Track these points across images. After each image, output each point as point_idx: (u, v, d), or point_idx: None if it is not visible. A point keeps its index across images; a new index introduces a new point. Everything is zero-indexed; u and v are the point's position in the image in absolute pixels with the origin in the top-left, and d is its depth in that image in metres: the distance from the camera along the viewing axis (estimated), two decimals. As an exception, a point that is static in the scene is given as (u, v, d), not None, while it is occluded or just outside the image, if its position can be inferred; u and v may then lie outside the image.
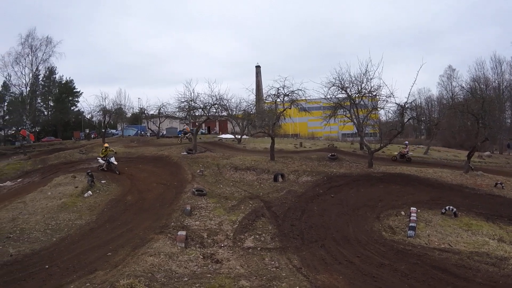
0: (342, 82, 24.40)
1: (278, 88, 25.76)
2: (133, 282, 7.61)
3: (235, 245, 12.22)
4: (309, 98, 27.01)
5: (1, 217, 15.49)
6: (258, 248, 11.91)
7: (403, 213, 14.83)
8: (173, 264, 10.05)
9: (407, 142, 30.75)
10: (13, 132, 65.01)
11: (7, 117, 68.69)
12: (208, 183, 20.23)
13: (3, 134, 69.15)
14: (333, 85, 24.64)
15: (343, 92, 24.86)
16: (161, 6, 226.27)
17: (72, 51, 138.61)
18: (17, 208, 16.81)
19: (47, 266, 10.23)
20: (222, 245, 12.20)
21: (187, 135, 39.92)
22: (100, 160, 24.53)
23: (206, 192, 18.01)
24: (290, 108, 26.87)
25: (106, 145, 25.92)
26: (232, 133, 51.44)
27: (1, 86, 68.10)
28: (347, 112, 25.53)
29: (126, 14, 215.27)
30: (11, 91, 67.48)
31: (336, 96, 26.03)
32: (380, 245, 12.01)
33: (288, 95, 25.90)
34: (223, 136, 53.91)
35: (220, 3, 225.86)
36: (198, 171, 22.53)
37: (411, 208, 14.55)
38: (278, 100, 26.85)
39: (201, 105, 32.36)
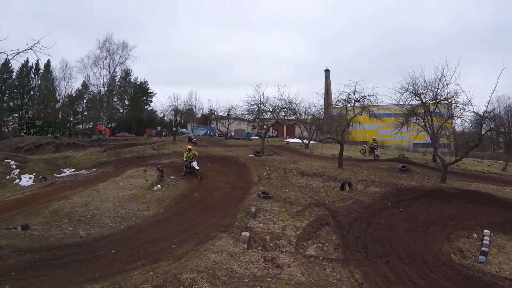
0: (416, 87, 23.07)
1: (349, 93, 25.02)
2: (196, 277, 7.60)
3: (297, 251, 11.95)
4: (380, 104, 25.90)
5: (74, 202, 16.60)
6: (320, 258, 11.55)
7: (475, 235, 13.58)
8: (234, 263, 10.02)
9: (374, 137, 32.35)
10: (90, 126, 70.10)
11: (85, 113, 74.85)
12: (274, 187, 20.04)
13: (81, 127, 75.61)
14: (406, 91, 23.41)
15: (417, 98, 23.46)
16: (231, 10, 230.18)
17: (146, 54, 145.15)
18: (90, 195, 17.93)
19: (113, 251, 10.68)
20: (284, 250, 11.99)
21: (192, 140, 40.89)
22: (194, 163, 23.32)
23: (271, 195, 17.81)
24: (360, 114, 25.95)
25: (189, 146, 24.91)
26: (299, 138, 51.17)
27: (81, 85, 74.24)
28: (421, 120, 24.04)
29: (198, 19, 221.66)
30: (90, 90, 73.50)
31: (410, 103, 24.41)
32: (448, 268, 11.10)
33: (359, 101, 25.05)
34: (291, 140, 53.77)
35: (288, 5, 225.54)
36: (264, 173, 22.35)
37: (485, 230, 13.41)
38: (349, 105, 25.98)
39: (270, 108, 32.36)
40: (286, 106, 31.38)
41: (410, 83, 23.21)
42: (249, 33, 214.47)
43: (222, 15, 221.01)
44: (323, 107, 35.73)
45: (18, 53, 11.08)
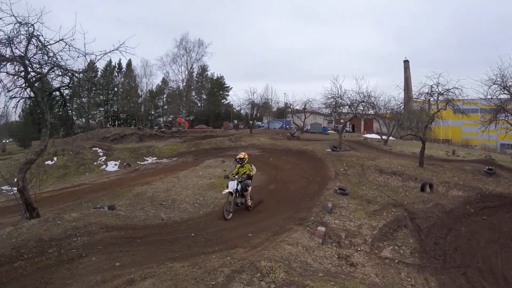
0: (504, 79, 20.39)
1: (431, 86, 23.49)
2: (273, 266, 7.68)
3: (372, 251, 11.61)
4: (465, 98, 23.83)
5: (156, 187, 17.62)
6: (396, 261, 11.11)
7: None
8: (309, 257, 9.97)
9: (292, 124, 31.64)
10: (170, 119, 76.03)
11: (165, 107, 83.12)
12: (351, 183, 19.54)
13: (162, 120, 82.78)
14: (494, 83, 20.72)
15: (505, 92, 20.83)
16: (301, 2, 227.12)
17: (222, 50, 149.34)
18: (171, 182, 18.90)
19: (193, 235, 11.07)
20: (359, 249, 11.70)
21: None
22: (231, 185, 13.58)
23: (348, 191, 17.34)
24: (444, 109, 24.24)
25: (243, 154, 15.10)
26: (378, 133, 49.86)
27: (161, 81, 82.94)
28: (510, 117, 21.51)
29: (268, 14, 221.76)
30: (169, 85, 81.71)
31: (498, 97, 21.50)
32: (529, 288, 10.08)
33: (443, 94, 23.43)
34: (368, 135, 52.61)
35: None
36: (341, 169, 21.91)
37: None
38: (432, 99, 24.40)
39: (348, 102, 31.63)
40: (365, 100, 30.58)
41: (498, 74, 20.59)
42: (322, 25, 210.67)
43: (291, 8, 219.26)
44: (403, 101, 34.19)
45: (105, 53, 12.17)
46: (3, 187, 26.06)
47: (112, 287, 6.72)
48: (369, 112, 34.06)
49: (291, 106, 55.88)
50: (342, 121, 47.97)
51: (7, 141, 73.00)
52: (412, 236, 13.16)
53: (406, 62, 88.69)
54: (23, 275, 7.53)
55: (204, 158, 27.96)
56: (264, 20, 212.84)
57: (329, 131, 61.42)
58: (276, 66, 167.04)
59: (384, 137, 42.31)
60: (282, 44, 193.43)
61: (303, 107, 51.71)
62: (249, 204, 14.47)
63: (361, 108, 31.60)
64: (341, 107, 33.99)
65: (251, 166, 14.64)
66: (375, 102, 31.49)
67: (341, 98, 31.71)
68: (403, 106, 32.94)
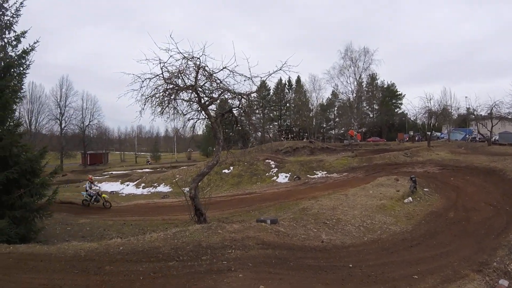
0: None
1: None
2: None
3: None
4: None
5: (323, 204, 16.98)
6: None
7: None
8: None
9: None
10: (342, 131, 79.51)
11: (337, 119, 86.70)
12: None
13: (333, 133, 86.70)
14: None
15: None
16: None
17: (390, 54, 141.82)
18: (339, 199, 18.07)
19: (350, 265, 9.94)
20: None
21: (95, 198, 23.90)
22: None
23: None
24: None
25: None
26: None
27: (331, 94, 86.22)
28: None
29: (432, 6, 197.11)
30: (339, 98, 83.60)
31: None
32: None
33: None
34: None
35: None
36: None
37: None
38: None
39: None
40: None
41: None
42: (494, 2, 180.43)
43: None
44: None
45: (270, 74, 13.69)
46: (185, 188, 29.28)
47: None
48: None
49: (474, 112, 49.43)
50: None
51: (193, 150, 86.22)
52: None
53: None
54: (173, 275, 8.13)
55: (376, 175, 26.49)
56: (428, 12, 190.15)
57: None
58: (452, 63, 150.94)
59: None
60: (454, 35, 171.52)
61: (489, 112, 45.15)
62: None
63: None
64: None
65: None
66: None
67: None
68: None
